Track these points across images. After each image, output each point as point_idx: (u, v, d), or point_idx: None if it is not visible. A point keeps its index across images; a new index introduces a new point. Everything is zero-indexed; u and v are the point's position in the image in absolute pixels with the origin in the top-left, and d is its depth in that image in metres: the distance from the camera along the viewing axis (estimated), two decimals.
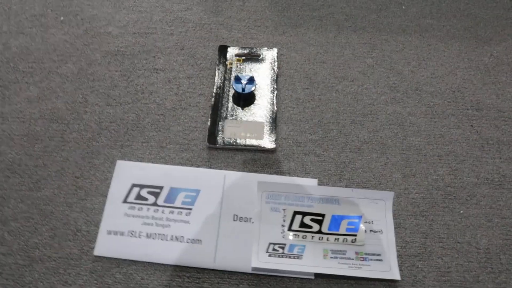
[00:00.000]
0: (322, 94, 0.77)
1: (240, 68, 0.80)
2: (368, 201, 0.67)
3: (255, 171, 0.69)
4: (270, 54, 0.82)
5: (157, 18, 0.85)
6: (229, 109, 0.75)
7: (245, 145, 0.71)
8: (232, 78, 0.78)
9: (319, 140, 0.73)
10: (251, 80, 0.75)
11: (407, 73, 0.81)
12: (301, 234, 0.65)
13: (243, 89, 0.74)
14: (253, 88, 0.75)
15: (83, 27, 0.85)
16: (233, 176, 0.69)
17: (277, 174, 0.69)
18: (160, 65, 0.80)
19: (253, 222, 0.65)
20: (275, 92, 0.77)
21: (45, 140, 0.72)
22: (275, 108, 0.75)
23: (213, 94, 0.77)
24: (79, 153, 0.71)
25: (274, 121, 0.73)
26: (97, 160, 0.70)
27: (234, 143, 0.71)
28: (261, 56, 0.81)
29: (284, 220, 0.65)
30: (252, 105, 0.76)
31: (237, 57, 0.81)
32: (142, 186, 0.68)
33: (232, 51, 0.82)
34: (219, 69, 0.80)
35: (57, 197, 0.67)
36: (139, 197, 0.67)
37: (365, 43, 0.84)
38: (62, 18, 0.85)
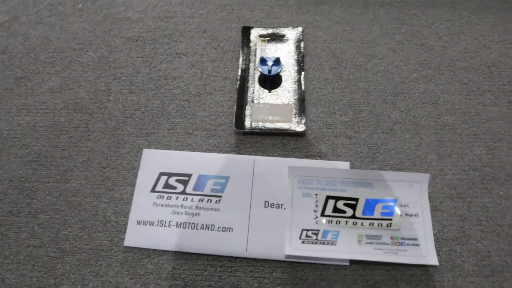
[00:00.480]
0: (351, 73, 0.75)
1: (264, 49, 0.78)
2: (402, 183, 0.64)
3: (285, 156, 0.68)
4: (295, 34, 0.79)
5: (177, 1, 0.83)
6: (256, 92, 0.73)
7: (273, 129, 0.69)
8: (257, 60, 0.76)
9: (349, 121, 0.70)
10: (277, 62, 0.73)
11: (439, 49, 0.77)
12: (334, 219, 0.63)
13: (269, 71, 0.72)
14: (279, 70, 0.72)
15: (102, 13, 0.83)
16: (262, 161, 0.67)
17: (307, 158, 0.67)
18: (182, 49, 0.78)
19: (284, 209, 0.64)
20: (302, 73, 0.74)
21: (69, 131, 0.71)
22: (303, 90, 0.73)
23: (238, 77, 0.75)
24: (104, 142, 0.70)
25: (303, 103, 0.71)
26: (123, 149, 0.69)
27: (262, 128, 0.69)
28: (286, 36, 0.79)
29: (316, 206, 0.63)
30: (279, 88, 0.73)
31: (261, 38, 0.79)
32: (170, 175, 0.66)
33: (255, 32, 0.80)
34: (243, 51, 0.77)
35: (84, 188, 0.67)
36: (167, 185, 0.65)
37: (393, 18, 0.81)
38: (80, 5, 0.83)
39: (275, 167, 0.66)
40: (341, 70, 0.75)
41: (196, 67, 0.76)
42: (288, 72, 0.74)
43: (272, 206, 0.64)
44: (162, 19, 0.81)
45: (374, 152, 0.68)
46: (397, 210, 0.62)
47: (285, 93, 0.73)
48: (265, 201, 0.64)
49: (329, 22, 0.80)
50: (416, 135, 0.69)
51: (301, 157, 0.67)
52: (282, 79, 0.74)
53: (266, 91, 0.73)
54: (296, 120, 0.70)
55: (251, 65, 0.76)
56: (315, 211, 0.63)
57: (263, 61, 0.73)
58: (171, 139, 0.70)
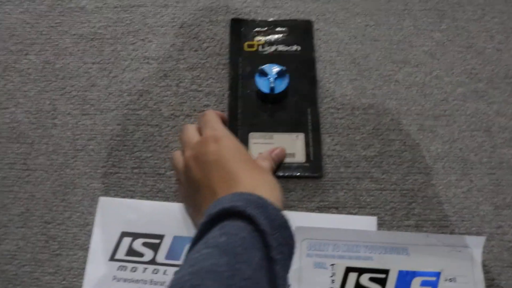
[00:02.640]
0: (377, 87, 0.61)
1: (262, 51, 0.62)
2: (448, 249, 0.52)
3: (291, 208, 0.54)
4: (301, 30, 0.64)
5: None
6: (252, 115, 0.59)
7: (276, 170, 0.56)
8: (251, 68, 0.61)
9: (375, 156, 0.57)
10: (281, 74, 0.57)
11: (491, 52, 0.64)
12: None
13: (272, 89, 0.56)
14: (285, 87, 0.57)
15: (47, 1, 0.67)
16: None
17: (320, 211, 0.54)
18: (152, 52, 0.64)
19: (289, 285, 0.50)
20: (316, 87, 0.60)
21: (3, 169, 0.58)
22: (318, 111, 0.59)
23: (227, 93, 0.60)
24: (48, 186, 0.56)
25: (317, 132, 0.57)
26: (73, 197, 0.56)
27: None
28: (289, 32, 0.64)
29: (333, 281, 0.51)
30: (282, 109, 0.59)
31: (257, 36, 0.63)
32: (135, 235, 0.53)
33: (249, 27, 0.64)
34: (233, 55, 0.62)
35: (22, 252, 0.54)
36: (131, 251, 0.53)
37: (430, 9, 0.67)
38: None
39: None
40: (364, 82, 0.61)
41: (170, 77, 0.62)
42: (294, 84, 0.59)
43: None
44: (125, 9, 0.66)
45: (409, 202, 0.55)
46: (442, 287, 0.50)
47: (292, 116, 0.59)
48: None
49: (346, 14, 0.66)
50: (464, 176, 0.56)
51: (312, 209, 0.54)
52: (288, 96, 0.59)
53: (266, 113, 0.58)
54: (308, 156, 0.56)
55: (245, 74, 0.61)
56: None
57: (262, 73, 0.57)
58: (136, 182, 0.56)
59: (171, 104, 0.60)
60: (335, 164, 0.56)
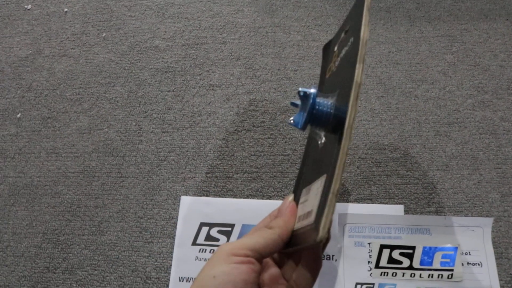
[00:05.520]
0: (400, 102, 0.69)
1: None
2: (463, 228, 0.60)
3: None
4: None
5: (206, 24, 0.77)
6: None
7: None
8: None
9: (401, 158, 0.65)
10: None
11: (495, 69, 0.71)
12: (390, 271, 0.59)
13: (313, 115, 0.39)
14: (330, 104, 0.39)
15: (127, 42, 0.78)
16: None
17: (357, 202, 0.63)
18: (215, 80, 0.73)
19: (336, 260, 0.60)
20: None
21: (102, 177, 0.68)
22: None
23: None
24: (139, 189, 0.66)
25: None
26: (160, 197, 0.65)
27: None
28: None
29: (370, 256, 0.60)
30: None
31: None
32: (211, 225, 0.63)
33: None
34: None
35: (121, 241, 0.64)
36: (209, 237, 0.62)
37: (442, 35, 0.74)
38: (104, 34, 0.78)
39: None
40: (389, 98, 0.69)
41: (231, 100, 0.71)
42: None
43: (322, 258, 0.59)
44: (191, 46, 0.76)
45: (429, 193, 0.63)
46: (459, 259, 0.58)
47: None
48: None
49: (372, 43, 0.74)
50: (474, 171, 0.64)
51: (350, 201, 0.63)
52: None
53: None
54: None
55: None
56: (369, 261, 0.59)
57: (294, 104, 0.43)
58: (210, 184, 0.65)
59: (234, 122, 0.69)
60: (368, 164, 0.64)
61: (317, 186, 0.37)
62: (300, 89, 0.39)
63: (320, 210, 0.33)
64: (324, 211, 0.32)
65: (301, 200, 0.41)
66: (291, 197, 0.44)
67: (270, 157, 0.66)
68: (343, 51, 0.43)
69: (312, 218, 0.35)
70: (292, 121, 0.40)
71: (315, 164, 0.42)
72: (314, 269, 0.37)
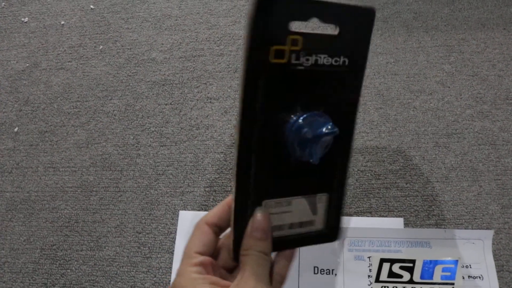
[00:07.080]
0: (398, 113, 0.69)
1: (295, 65, 0.46)
2: (463, 241, 0.60)
3: None
4: (357, 27, 0.63)
5: (203, 36, 0.77)
6: (268, 175, 0.44)
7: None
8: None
9: (400, 170, 0.65)
10: (323, 122, 0.35)
11: (493, 79, 0.70)
12: (391, 285, 0.58)
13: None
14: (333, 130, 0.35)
15: (124, 55, 0.78)
16: None
17: (357, 215, 0.62)
18: (213, 93, 0.73)
19: (335, 275, 0.59)
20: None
21: (100, 191, 0.67)
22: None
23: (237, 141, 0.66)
24: (137, 204, 0.66)
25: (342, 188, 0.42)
26: (158, 211, 0.65)
27: None
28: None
29: (370, 270, 0.59)
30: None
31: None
32: None
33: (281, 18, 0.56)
34: (249, 72, 0.59)
35: (120, 256, 0.63)
36: None
37: (440, 45, 0.73)
38: (101, 47, 0.78)
39: None
40: (387, 109, 0.69)
41: (229, 113, 0.71)
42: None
43: (322, 272, 0.59)
44: (189, 59, 0.76)
45: (429, 205, 0.62)
46: (459, 273, 0.58)
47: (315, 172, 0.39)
48: (315, 267, 0.59)
49: (370, 53, 0.72)
50: (474, 182, 0.63)
51: (350, 214, 0.62)
52: None
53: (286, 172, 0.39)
54: (326, 223, 0.42)
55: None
56: (369, 276, 0.59)
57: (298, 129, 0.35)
58: (208, 198, 0.65)
59: (232, 135, 0.69)
60: (367, 177, 0.64)
61: (311, 201, 0.40)
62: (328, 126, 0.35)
63: (331, 219, 0.41)
64: (339, 221, 0.42)
65: (274, 211, 0.38)
66: (260, 214, 0.37)
67: None
68: (322, 60, 0.35)
69: (318, 226, 0.41)
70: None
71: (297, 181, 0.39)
72: (290, 257, 0.40)
